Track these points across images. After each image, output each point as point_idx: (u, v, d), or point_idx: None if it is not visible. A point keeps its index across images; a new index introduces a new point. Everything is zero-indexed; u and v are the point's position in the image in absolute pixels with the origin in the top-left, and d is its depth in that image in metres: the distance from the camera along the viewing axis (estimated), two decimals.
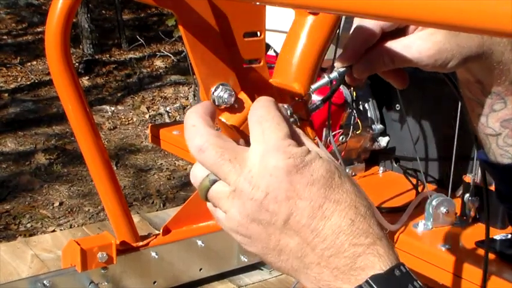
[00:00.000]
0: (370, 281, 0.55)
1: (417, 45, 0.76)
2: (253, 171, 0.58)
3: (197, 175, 0.63)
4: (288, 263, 0.60)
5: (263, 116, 0.60)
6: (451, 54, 0.75)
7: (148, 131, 3.01)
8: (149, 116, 5.31)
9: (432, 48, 0.75)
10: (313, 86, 0.77)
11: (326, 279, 0.58)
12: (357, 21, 0.80)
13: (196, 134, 0.61)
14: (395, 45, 0.77)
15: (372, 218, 0.59)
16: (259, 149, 0.59)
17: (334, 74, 0.76)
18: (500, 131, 0.83)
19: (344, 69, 0.76)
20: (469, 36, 0.74)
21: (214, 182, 0.61)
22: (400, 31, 0.78)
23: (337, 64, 0.77)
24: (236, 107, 0.74)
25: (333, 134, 2.06)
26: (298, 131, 0.63)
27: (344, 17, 1.07)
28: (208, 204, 0.64)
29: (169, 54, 6.79)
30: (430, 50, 0.75)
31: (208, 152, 0.60)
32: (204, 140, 0.60)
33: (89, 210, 3.56)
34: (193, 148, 0.61)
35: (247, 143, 0.62)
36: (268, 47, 2.26)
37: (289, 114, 0.73)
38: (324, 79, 0.76)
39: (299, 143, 0.60)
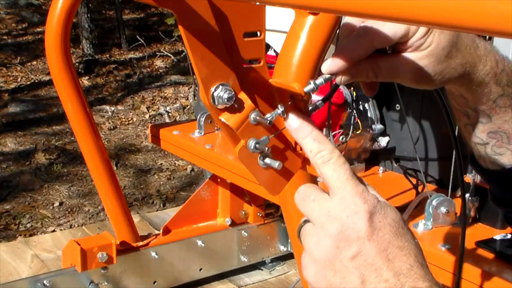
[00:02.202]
0: None
1: (404, 68, 0.77)
2: (331, 212, 0.66)
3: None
4: None
5: (340, 165, 0.68)
6: (433, 79, 0.78)
7: (148, 131, 3.01)
8: (149, 116, 5.31)
9: (418, 72, 0.77)
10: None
11: None
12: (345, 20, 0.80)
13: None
14: (383, 63, 0.77)
15: (428, 268, 0.67)
16: (339, 192, 0.66)
17: (320, 80, 0.75)
18: (487, 140, 0.86)
19: (329, 76, 0.75)
20: (454, 67, 0.77)
21: (306, 222, 0.69)
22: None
23: (323, 69, 0.76)
24: (236, 107, 0.74)
25: (333, 134, 2.06)
26: (361, 179, 0.70)
27: (344, 17, 1.07)
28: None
29: (169, 54, 6.78)
30: (415, 74, 0.77)
31: (298, 192, 0.70)
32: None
33: (89, 210, 3.56)
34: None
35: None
36: (268, 47, 2.26)
37: (282, 114, 0.73)
38: (310, 85, 0.74)
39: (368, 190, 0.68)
